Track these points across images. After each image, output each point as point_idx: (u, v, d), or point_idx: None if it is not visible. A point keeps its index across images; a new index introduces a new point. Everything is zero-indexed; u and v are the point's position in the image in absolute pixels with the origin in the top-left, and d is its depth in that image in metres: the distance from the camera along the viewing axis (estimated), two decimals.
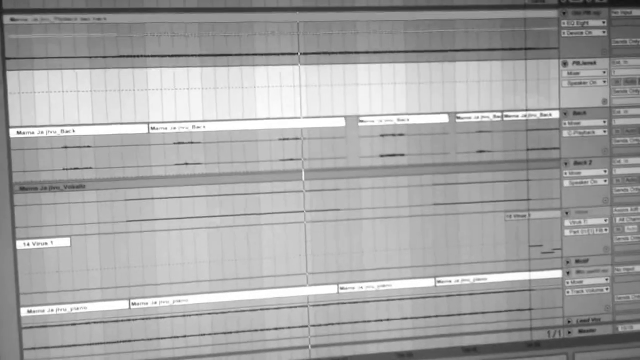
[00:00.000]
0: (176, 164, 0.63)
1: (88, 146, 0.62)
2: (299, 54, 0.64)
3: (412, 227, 0.66)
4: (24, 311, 0.62)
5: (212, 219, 0.64)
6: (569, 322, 0.69)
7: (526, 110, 0.67)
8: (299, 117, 0.64)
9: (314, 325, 0.66)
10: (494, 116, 0.66)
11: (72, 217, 0.62)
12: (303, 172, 0.65)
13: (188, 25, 0.62)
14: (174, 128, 0.63)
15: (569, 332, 0.69)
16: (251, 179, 0.64)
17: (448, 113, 0.66)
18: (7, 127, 0.61)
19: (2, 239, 0.61)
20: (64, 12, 0.60)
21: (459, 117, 0.66)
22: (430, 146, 0.66)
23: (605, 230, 0.69)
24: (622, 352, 0.70)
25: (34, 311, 0.62)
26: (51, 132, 0.61)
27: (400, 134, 0.66)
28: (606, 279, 0.69)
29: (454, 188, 0.67)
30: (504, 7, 0.66)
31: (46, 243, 0.62)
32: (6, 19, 0.60)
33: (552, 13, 0.67)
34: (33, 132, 0.61)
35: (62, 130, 0.61)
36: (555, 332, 0.69)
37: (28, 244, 0.62)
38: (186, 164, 0.63)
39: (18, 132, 0.60)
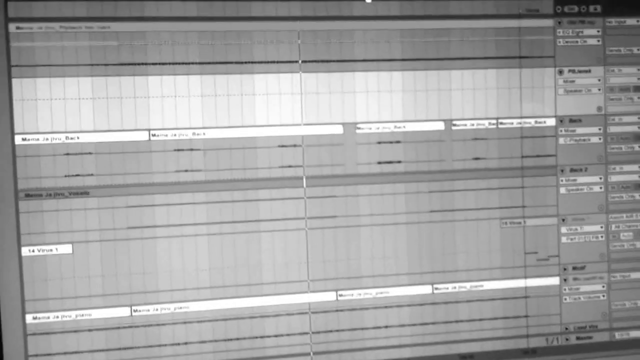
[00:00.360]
0: (176, 171, 0.65)
1: (90, 153, 0.63)
2: (299, 62, 0.66)
3: (409, 234, 0.68)
4: (29, 318, 0.63)
5: (212, 225, 0.65)
6: (566, 329, 0.71)
7: (521, 117, 0.69)
8: (298, 125, 0.66)
9: (315, 333, 0.67)
10: (489, 124, 0.68)
11: (74, 224, 0.64)
12: (304, 179, 0.66)
13: (188, 34, 0.64)
14: (175, 135, 0.64)
15: (567, 339, 0.71)
16: (251, 186, 0.66)
17: (444, 120, 0.68)
18: (12, 133, 0.62)
19: (8, 246, 0.63)
20: (69, 20, 0.62)
21: (454, 125, 0.68)
22: (426, 153, 0.68)
23: (602, 237, 0.71)
24: (619, 359, 0.72)
25: (39, 318, 0.64)
26: (56, 139, 0.63)
27: (397, 142, 0.67)
28: (603, 286, 0.71)
29: (450, 195, 0.68)
30: (499, 17, 0.68)
31: (51, 250, 0.63)
32: (12, 27, 0.62)
33: (548, 22, 0.69)
34: (38, 139, 0.62)
35: (66, 137, 0.63)
36: (554, 339, 0.71)
37: (33, 251, 0.63)
38: (186, 171, 0.65)
39: (23, 139, 0.62)
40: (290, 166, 0.66)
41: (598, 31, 0.70)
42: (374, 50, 0.67)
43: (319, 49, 0.66)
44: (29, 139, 0.62)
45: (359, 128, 0.67)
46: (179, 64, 0.64)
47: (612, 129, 0.71)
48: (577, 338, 0.72)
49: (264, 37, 0.65)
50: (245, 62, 0.65)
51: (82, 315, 0.64)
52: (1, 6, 0.61)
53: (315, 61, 0.66)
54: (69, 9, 0.62)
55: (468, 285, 0.69)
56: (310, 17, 0.66)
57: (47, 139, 0.63)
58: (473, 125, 0.68)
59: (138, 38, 0.64)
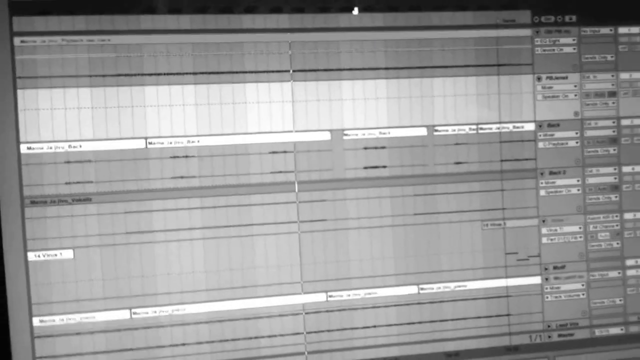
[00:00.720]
0: (172, 177, 0.67)
1: (89, 161, 0.66)
2: (291, 71, 0.68)
3: (395, 236, 0.71)
4: (36, 321, 0.66)
5: (208, 230, 0.68)
6: (548, 326, 0.74)
7: (500, 123, 0.72)
8: (289, 131, 0.69)
9: (309, 333, 0.70)
10: (470, 129, 0.71)
11: (75, 230, 0.66)
12: (296, 184, 0.69)
13: (182, 46, 0.67)
14: (170, 143, 0.67)
15: (549, 337, 0.74)
16: (244, 191, 0.68)
17: (426, 126, 0.71)
18: (18, 142, 0.65)
19: (15, 251, 0.65)
20: (70, 34, 0.65)
21: (436, 130, 0.71)
22: (410, 158, 0.71)
23: (580, 237, 0.74)
24: (599, 355, 0.75)
25: (45, 321, 0.66)
26: (58, 147, 0.65)
27: (382, 147, 0.70)
28: (582, 285, 0.74)
29: (433, 198, 0.71)
30: (477, 27, 0.72)
31: (55, 255, 0.65)
32: (17, 41, 0.64)
33: (526, 32, 0.72)
34: (42, 148, 0.65)
35: (69, 146, 0.65)
36: (536, 337, 0.74)
37: (38, 256, 0.65)
38: (182, 177, 0.67)
39: (28, 148, 0.65)
40: (281, 172, 0.69)
41: (574, 40, 0.74)
42: (360, 60, 0.70)
43: (307, 59, 0.69)
44: (34, 148, 0.65)
45: (346, 135, 0.70)
46: (174, 74, 0.67)
47: (589, 133, 0.75)
48: (559, 335, 0.75)
49: (254, 48, 0.68)
50: (237, 72, 0.68)
51: (87, 317, 0.66)
52: (7, 21, 0.64)
53: (303, 70, 0.69)
54: (69, 23, 0.65)
55: (452, 285, 0.72)
56: (298, 28, 0.69)
57: (50, 148, 0.65)
58: (454, 130, 0.71)
59: (135, 50, 0.66)
